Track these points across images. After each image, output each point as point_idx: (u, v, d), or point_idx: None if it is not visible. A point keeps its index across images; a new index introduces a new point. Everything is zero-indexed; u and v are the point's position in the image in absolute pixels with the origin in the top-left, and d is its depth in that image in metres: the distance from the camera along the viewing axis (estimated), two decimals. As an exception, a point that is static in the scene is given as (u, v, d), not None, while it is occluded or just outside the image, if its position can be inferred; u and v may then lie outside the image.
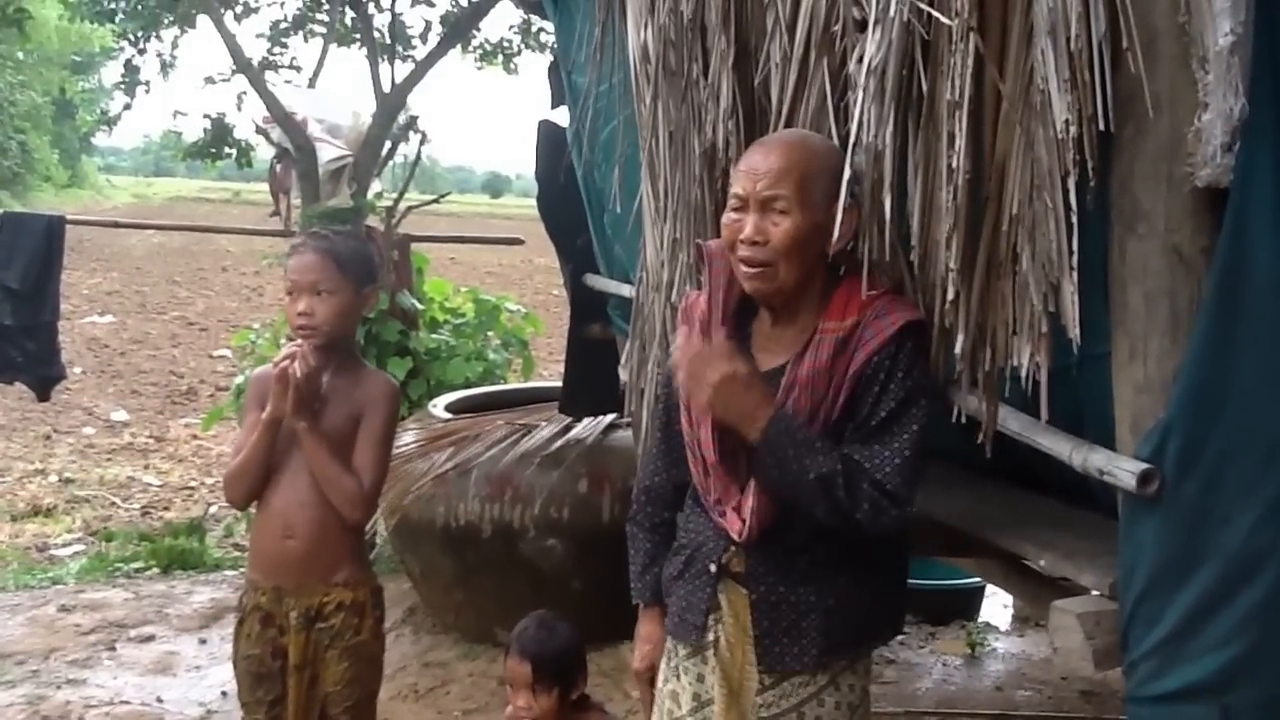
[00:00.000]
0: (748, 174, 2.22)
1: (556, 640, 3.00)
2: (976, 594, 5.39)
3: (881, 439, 2.18)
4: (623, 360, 3.63)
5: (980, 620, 5.33)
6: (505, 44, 10.01)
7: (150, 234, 24.88)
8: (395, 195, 6.65)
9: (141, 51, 8.99)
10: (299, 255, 2.92)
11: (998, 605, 5.51)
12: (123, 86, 9.04)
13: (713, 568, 2.32)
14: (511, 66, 10.11)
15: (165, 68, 9.22)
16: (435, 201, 7.50)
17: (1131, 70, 1.87)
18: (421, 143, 7.57)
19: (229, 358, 11.84)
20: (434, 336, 6.36)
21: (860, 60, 2.23)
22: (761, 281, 2.23)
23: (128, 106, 9.18)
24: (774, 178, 2.19)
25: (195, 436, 9.07)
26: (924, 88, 2.16)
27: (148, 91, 9.03)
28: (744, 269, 2.23)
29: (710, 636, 2.34)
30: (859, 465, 2.16)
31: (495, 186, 69.30)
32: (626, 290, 3.64)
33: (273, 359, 2.98)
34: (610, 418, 4.73)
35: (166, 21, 8.92)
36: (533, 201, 4.70)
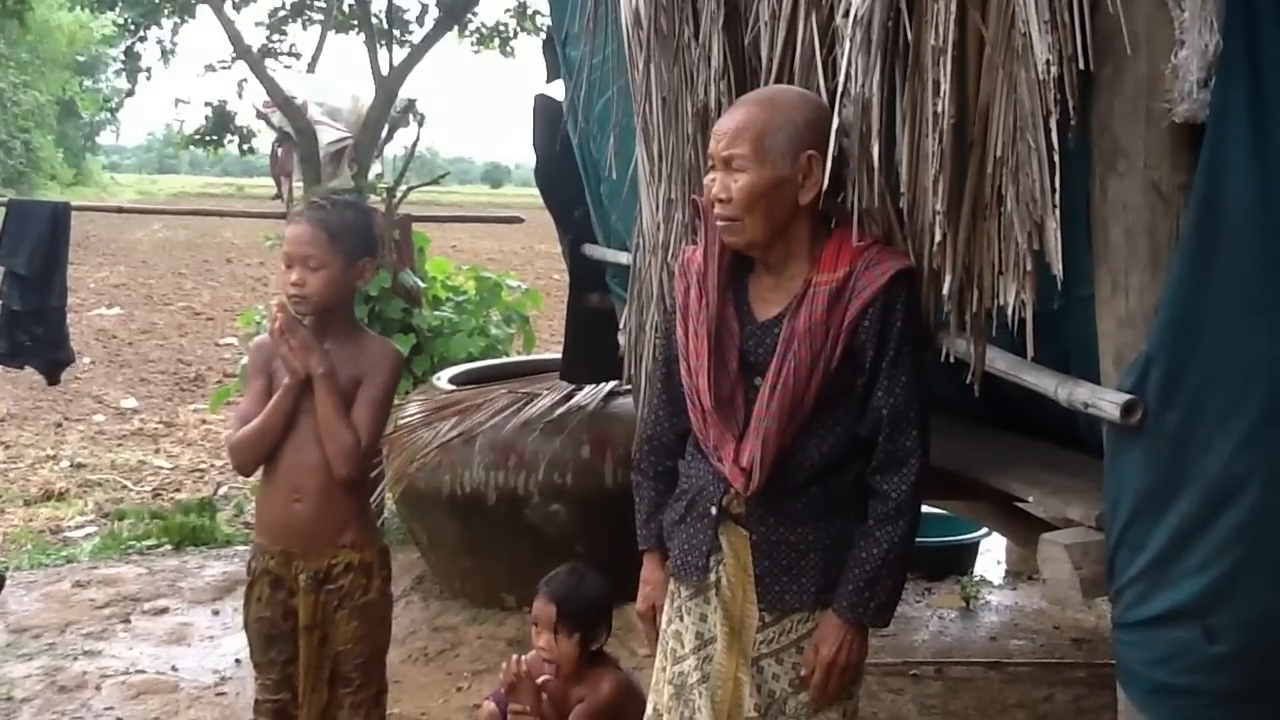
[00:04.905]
0: (715, 135, 2.35)
1: (584, 589, 3.17)
2: (971, 550, 5.49)
3: (885, 387, 2.28)
4: (621, 325, 3.68)
5: (975, 575, 5.42)
6: (501, 27, 10.06)
7: (156, 228, 24.96)
8: (395, 179, 6.69)
9: (142, 39, 9.04)
10: (294, 225, 2.96)
11: (991, 561, 5.61)
12: (124, 73, 9.10)
13: (713, 510, 2.39)
14: (508, 50, 10.17)
15: (166, 54, 9.28)
16: (435, 182, 7.55)
17: (1110, 9, 1.92)
18: (420, 125, 7.64)
19: (235, 345, 11.91)
20: (437, 314, 6.40)
21: (846, 14, 2.29)
22: (730, 235, 2.34)
23: (130, 93, 9.24)
24: (731, 137, 2.29)
25: (204, 421, 9.14)
26: (909, 36, 2.21)
27: (149, 78, 9.09)
28: (718, 224, 2.33)
29: (712, 577, 2.41)
30: (893, 471, 2.31)
31: (495, 177, 69.30)
32: (624, 258, 3.69)
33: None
34: (611, 385, 4.78)
35: (167, 10, 8.97)
36: (533, 190, 4.75)
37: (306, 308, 2.93)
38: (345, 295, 3.02)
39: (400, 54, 8.39)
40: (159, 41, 9.25)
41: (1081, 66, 1.97)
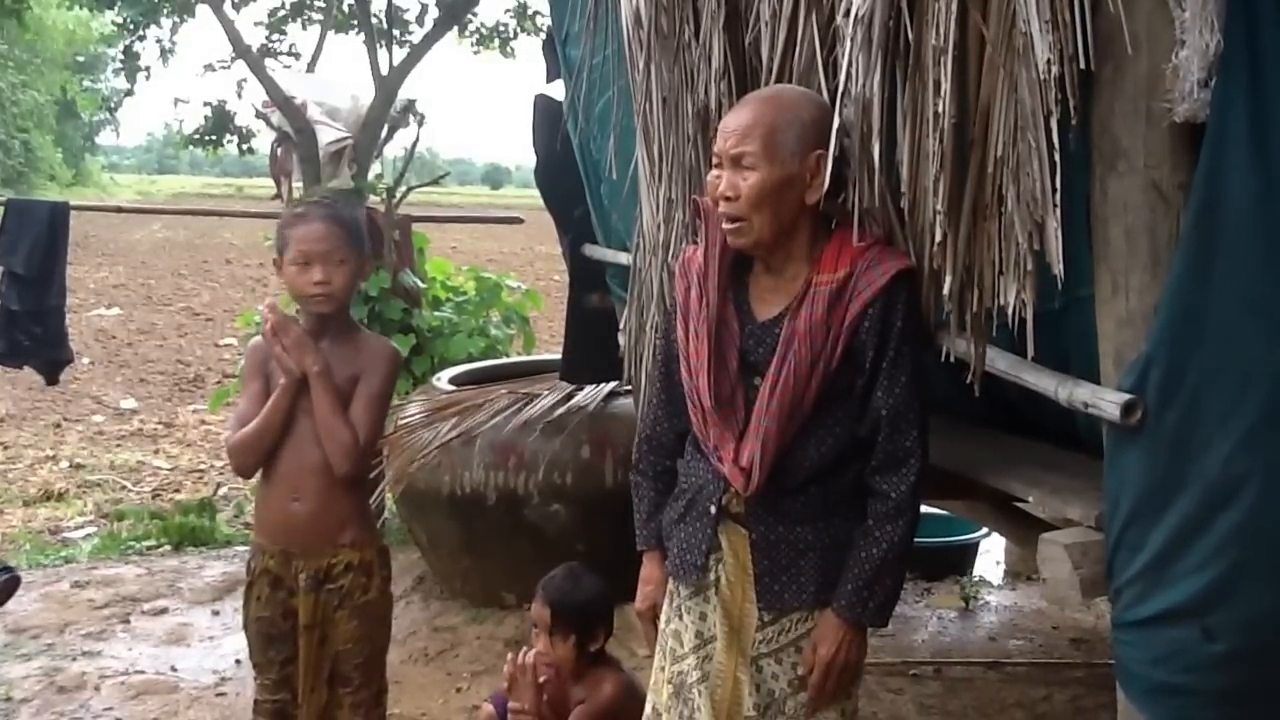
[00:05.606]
0: (722, 133, 2.33)
1: (580, 592, 3.15)
2: (970, 550, 5.52)
3: (885, 387, 2.28)
4: (621, 325, 3.68)
5: (974, 575, 5.46)
6: (501, 27, 10.06)
7: (155, 228, 24.98)
8: (395, 179, 6.69)
9: (141, 39, 9.04)
10: (308, 224, 2.92)
11: (990, 561, 5.64)
12: (123, 72, 9.09)
13: (713, 509, 2.39)
14: (508, 50, 10.15)
15: (165, 54, 9.27)
16: (435, 183, 7.54)
17: (1110, 9, 1.92)
18: (419, 125, 7.64)
19: (234, 346, 11.92)
20: (437, 314, 6.40)
21: (847, 14, 2.29)
22: (737, 235, 2.33)
23: (129, 93, 9.23)
24: (741, 134, 2.28)
25: (204, 421, 9.15)
26: (909, 35, 2.21)
27: (148, 78, 9.08)
28: (723, 223, 2.32)
29: (711, 576, 2.41)
30: (892, 471, 2.31)
31: (495, 178, 69.49)
32: (624, 258, 3.70)
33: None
34: (610, 385, 4.78)
35: (166, 10, 8.97)
36: (533, 191, 4.75)
37: (331, 305, 2.92)
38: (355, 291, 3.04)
39: (400, 54, 8.39)
40: (158, 41, 9.26)
41: (1082, 66, 1.97)
